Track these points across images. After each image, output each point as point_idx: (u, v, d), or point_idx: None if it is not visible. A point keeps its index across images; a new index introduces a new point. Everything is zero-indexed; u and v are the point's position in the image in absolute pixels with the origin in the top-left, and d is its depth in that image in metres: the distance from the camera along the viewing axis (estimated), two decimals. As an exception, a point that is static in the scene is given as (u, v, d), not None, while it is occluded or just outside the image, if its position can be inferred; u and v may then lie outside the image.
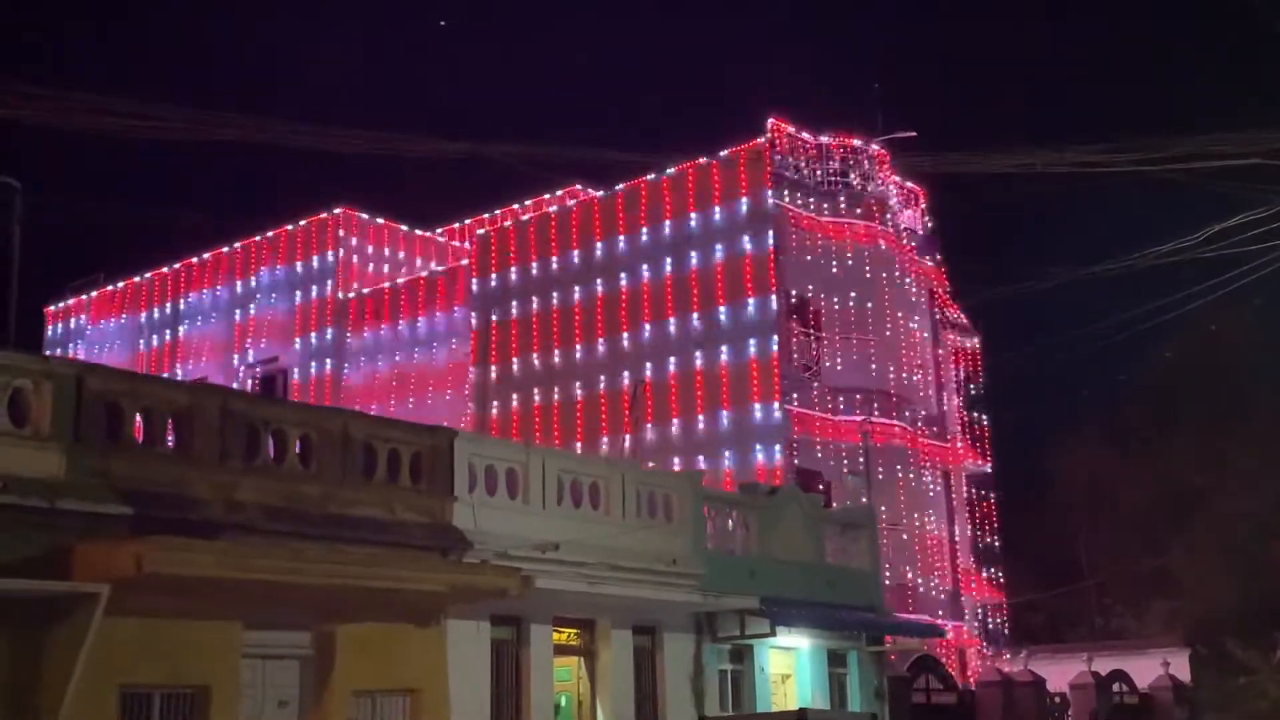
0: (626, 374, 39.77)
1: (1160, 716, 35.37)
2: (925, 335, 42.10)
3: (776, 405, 36.80)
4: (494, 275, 43.97)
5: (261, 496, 18.16)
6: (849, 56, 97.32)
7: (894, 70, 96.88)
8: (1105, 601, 50.79)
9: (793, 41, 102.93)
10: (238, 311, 50.62)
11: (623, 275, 40.76)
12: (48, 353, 48.19)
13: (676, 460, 37.56)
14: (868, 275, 39.61)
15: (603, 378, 40.50)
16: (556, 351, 41.76)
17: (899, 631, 31.49)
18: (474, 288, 44.42)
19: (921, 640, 33.19)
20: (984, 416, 44.17)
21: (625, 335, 40.32)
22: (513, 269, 43.52)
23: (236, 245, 51.30)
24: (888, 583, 33.90)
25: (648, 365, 39.54)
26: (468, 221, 51.86)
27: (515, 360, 42.74)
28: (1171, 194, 35.28)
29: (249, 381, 48.64)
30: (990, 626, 42.21)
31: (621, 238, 41.07)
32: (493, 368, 43.15)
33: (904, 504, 38.62)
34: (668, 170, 40.45)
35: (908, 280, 41.26)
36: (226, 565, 16.05)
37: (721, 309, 38.35)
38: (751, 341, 37.60)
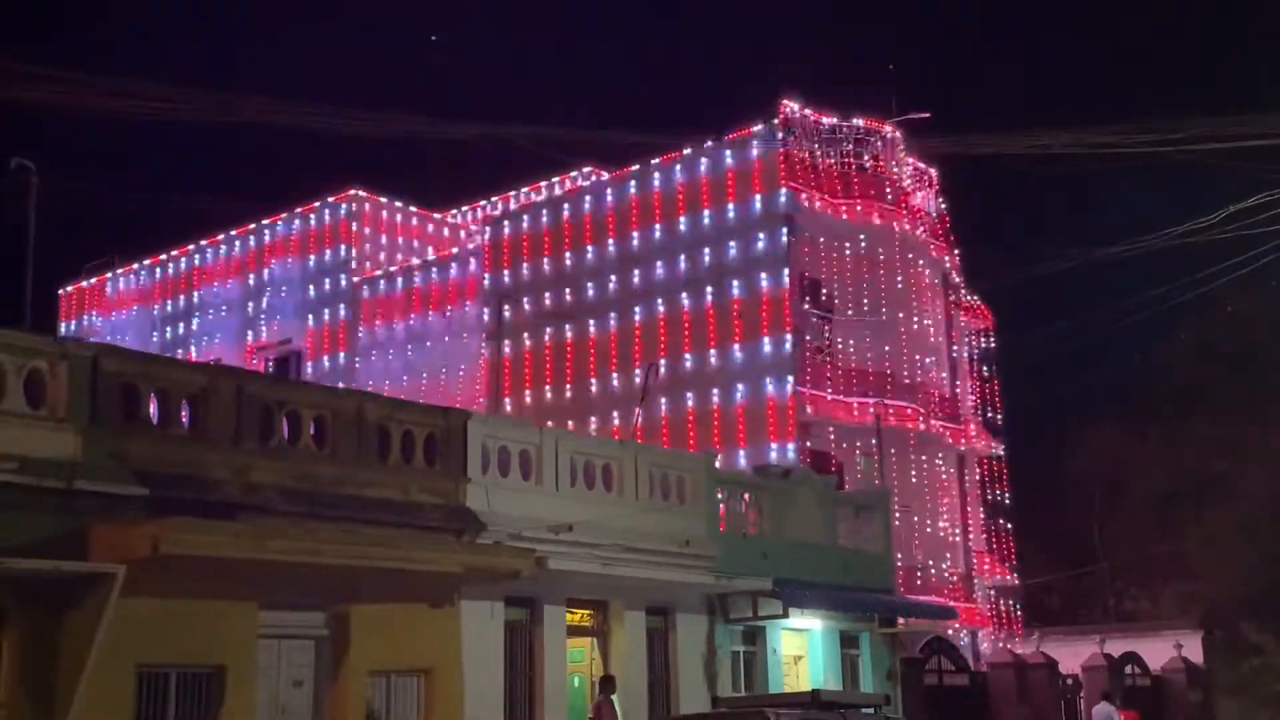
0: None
1: (1173, 699, 35.35)
2: (938, 317, 42.02)
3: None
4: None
5: (277, 478, 18.24)
6: (863, 37, 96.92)
7: (909, 52, 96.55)
8: (1119, 584, 50.73)
9: (807, 23, 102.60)
10: (251, 293, 50.72)
11: (634, 226, 41.15)
12: (62, 334, 48.35)
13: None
14: (880, 257, 39.52)
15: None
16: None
17: (911, 613, 31.53)
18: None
19: (934, 622, 33.22)
20: (997, 398, 44.11)
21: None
22: (525, 255, 43.80)
23: (250, 227, 51.39)
24: (900, 564, 33.94)
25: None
26: (482, 204, 51.89)
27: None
28: (1188, 176, 35.10)
29: (264, 364, 48.75)
30: (1003, 608, 42.22)
31: (634, 229, 41.32)
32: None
33: (916, 486, 38.61)
34: (684, 150, 40.46)
35: (920, 262, 41.15)
36: (242, 546, 16.12)
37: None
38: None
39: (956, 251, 43.89)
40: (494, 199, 51.10)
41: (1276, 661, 36.79)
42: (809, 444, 36.73)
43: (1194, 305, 38.60)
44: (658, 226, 40.51)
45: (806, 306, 38.02)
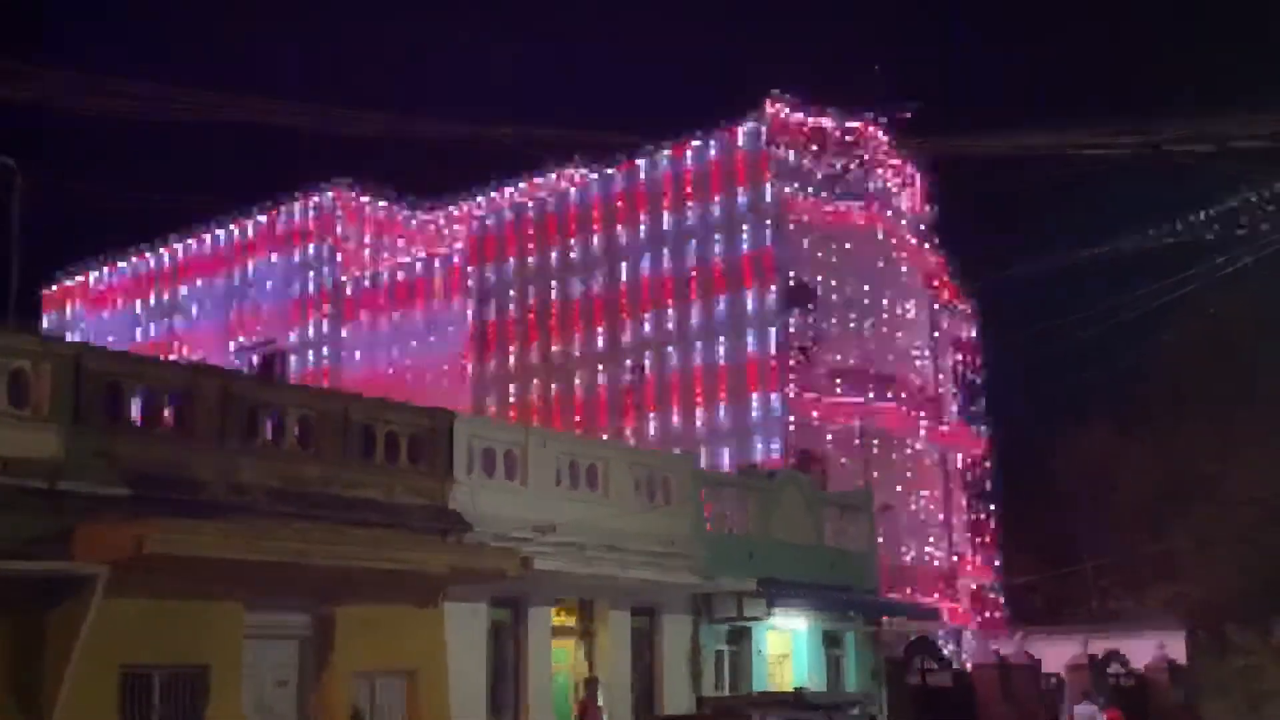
0: (628, 363, 39.95)
1: (1156, 698, 35.44)
2: (923, 317, 42.11)
3: (775, 396, 36.91)
4: (490, 266, 44.13)
5: (262, 478, 18.19)
6: (849, 37, 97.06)
7: (895, 51, 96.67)
8: (1103, 584, 50.83)
9: (794, 23, 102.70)
10: (235, 292, 50.61)
11: (623, 266, 40.88)
12: (45, 333, 48.15)
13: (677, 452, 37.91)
14: (866, 258, 39.59)
15: (600, 367, 40.64)
16: (554, 343, 41.93)
17: (895, 613, 31.58)
18: (469, 280, 44.74)
19: (918, 621, 33.28)
20: (982, 399, 44.22)
21: (628, 325, 40.43)
22: (510, 258, 43.66)
23: (234, 226, 51.28)
24: (884, 564, 33.99)
25: (646, 357, 39.69)
26: (465, 204, 51.81)
27: (513, 349, 42.88)
28: (1174, 176, 35.22)
29: (248, 363, 48.66)
30: (986, 607, 42.31)
31: (620, 228, 41.17)
32: (489, 364, 43.38)
33: (901, 486, 38.68)
34: (664, 152, 40.42)
35: (905, 262, 41.24)
36: (226, 546, 16.07)
37: (721, 299, 38.54)
38: (750, 334, 37.70)
39: (942, 251, 43.99)
40: (479, 197, 51.05)
41: (1260, 661, 36.93)
42: (793, 444, 36.80)
43: (1179, 306, 38.71)
44: (643, 226, 40.50)
45: (792, 308, 38.07)
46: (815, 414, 37.52)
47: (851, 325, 38.99)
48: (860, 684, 29.33)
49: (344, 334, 47.49)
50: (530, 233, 43.32)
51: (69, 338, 51.16)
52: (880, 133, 40.70)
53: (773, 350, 37.31)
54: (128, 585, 15.39)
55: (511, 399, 42.39)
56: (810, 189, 39.17)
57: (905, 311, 40.72)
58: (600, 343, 40.96)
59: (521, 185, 48.81)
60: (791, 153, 39.09)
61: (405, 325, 46.20)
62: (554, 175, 47.35)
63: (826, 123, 40.15)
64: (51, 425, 16.08)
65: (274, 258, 49.64)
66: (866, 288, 39.42)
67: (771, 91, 39.23)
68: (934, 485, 40.75)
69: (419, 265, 47.10)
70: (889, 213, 40.55)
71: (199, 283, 51.93)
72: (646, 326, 39.99)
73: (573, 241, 42.23)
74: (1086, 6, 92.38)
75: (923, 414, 40.41)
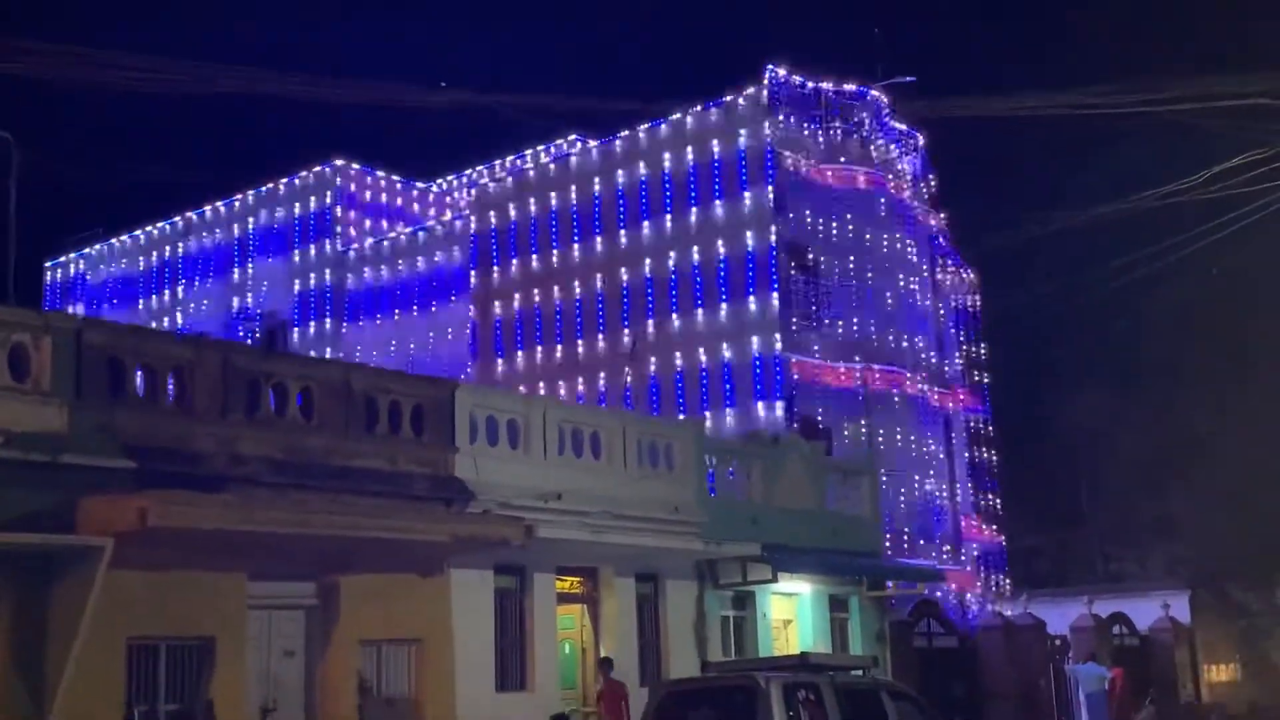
0: (627, 321, 39.93)
1: (1161, 658, 35.56)
2: (924, 281, 42.02)
3: (777, 344, 36.92)
4: (492, 228, 44.04)
5: (265, 449, 18.21)
6: (848, 3, 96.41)
7: (894, 13, 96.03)
8: (1106, 546, 50.97)
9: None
10: (236, 264, 50.61)
11: (621, 221, 40.82)
12: (46, 307, 48.16)
13: (681, 403, 37.93)
14: (867, 222, 39.48)
15: (600, 327, 40.67)
16: (557, 293, 41.92)
17: (900, 576, 31.64)
18: (471, 243, 44.60)
19: (922, 585, 33.36)
20: (984, 362, 44.15)
21: (625, 276, 40.49)
22: (511, 220, 43.60)
23: (234, 198, 51.25)
24: (888, 528, 34.04)
25: (649, 312, 39.67)
26: (465, 174, 51.74)
27: (516, 304, 42.90)
28: (1172, 135, 35.07)
29: (250, 334, 48.69)
30: (991, 570, 42.38)
31: (620, 184, 41.09)
32: (493, 324, 43.35)
33: (903, 450, 38.68)
34: (669, 117, 40.29)
35: (906, 226, 41.13)
36: (229, 518, 16.10)
37: (721, 251, 38.44)
38: (750, 287, 37.62)
39: (943, 215, 43.87)
40: (478, 168, 50.97)
41: (1262, 621, 37.08)
42: (796, 409, 36.80)
43: (1178, 267, 38.65)
44: (644, 206, 40.45)
45: (792, 272, 37.99)
46: (816, 377, 37.49)
47: (853, 288, 38.90)
48: (865, 647, 29.43)
49: (346, 303, 47.49)
50: (530, 196, 43.24)
51: (70, 311, 51.21)
52: (881, 96, 40.56)
53: (774, 317, 37.25)
54: (132, 558, 15.43)
55: (518, 360, 42.42)
56: (810, 153, 39.02)
57: (907, 275, 40.64)
58: (600, 298, 41.00)
59: (523, 154, 48.78)
60: (791, 117, 38.94)
61: (407, 292, 46.18)
62: (553, 145, 47.27)
63: (826, 86, 39.98)
64: (53, 399, 16.09)
65: (275, 229, 49.62)
66: (868, 250, 39.32)
67: (771, 57, 39.13)
68: (937, 448, 40.73)
69: (420, 233, 47.07)
70: (890, 176, 40.43)
71: (200, 255, 51.90)
72: (647, 290, 40.05)
73: (573, 200, 42.13)
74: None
75: (925, 377, 40.39)
